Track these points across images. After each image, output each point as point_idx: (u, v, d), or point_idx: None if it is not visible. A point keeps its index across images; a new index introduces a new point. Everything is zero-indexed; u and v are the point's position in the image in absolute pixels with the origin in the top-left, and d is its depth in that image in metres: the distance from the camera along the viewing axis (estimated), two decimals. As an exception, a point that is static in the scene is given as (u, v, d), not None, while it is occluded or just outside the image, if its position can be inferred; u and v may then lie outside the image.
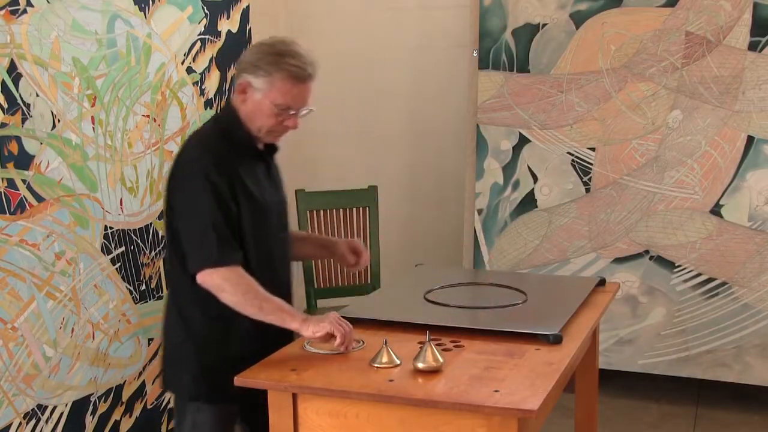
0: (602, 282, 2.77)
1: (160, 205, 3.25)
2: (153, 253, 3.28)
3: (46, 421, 2.87)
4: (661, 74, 3.81)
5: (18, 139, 2.74)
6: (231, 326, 2.22)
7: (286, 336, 2.25)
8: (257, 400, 2.17)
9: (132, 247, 3.19)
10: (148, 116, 3.28)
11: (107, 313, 3.07)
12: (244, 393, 2.17)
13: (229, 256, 2.14)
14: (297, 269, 4.53)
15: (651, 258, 3.87)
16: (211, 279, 2.14)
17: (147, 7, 3.30)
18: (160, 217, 3.27)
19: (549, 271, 3.99)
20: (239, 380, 1.99)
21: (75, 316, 2.96)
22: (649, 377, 4.01)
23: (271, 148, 2.37)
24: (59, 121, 2.89)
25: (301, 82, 2.20)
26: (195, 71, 3.61)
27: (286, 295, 2.32)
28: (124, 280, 3.15)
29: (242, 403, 2.32)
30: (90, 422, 3.06)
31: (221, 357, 2.24)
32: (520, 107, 4.00)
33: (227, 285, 2.13)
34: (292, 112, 2.22)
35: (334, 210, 4.05)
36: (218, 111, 2.36)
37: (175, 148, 3.36)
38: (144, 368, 3.27)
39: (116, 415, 3.19)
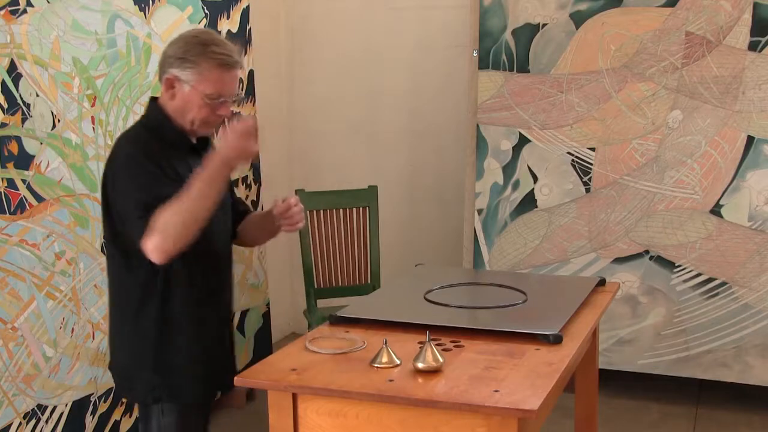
0: (602, 282, 2.77)
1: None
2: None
3: (46, 421, 2.87)
4: (661, 74, 3.81)
5: (18, 139, 2.74)
6: (174, 323, 2.22)
7: (227, 322, 2.33)
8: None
9: (132, 247, 3.19)
10: (148, 116, 3.27)
11: (107, 313, 3.07)
12: (205, 388, 2.27)
13: (147, 213, 2.08)
14: (297, 269, 4.55)
15: (651, 258, 3.88)
16: (152, 242, 2.07)
17: (147, 7, 3.30)
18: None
19: (549, 271, 3.99)
20: (239, 380, 1.99)
21: (75, 316, 2.96)
22: (649, 377, 4.02)
23: (205, 142, 2.33)
24: (59, 121, 2.89)
25: (229, 69, 2.18)
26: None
27: (226, 287, 2.37)
28: (124, 280, 3.15)
29: (205, 397, 2.36)
30: (90, 422, 3.06)
31: (174, 354, 2.24)
32: (520, 107, 4.00)
33: (168, 236, 2.08)
34: (223, 100, 2.20)
35: (334, 210, 4.05)
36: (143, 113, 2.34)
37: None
38: (144, 368, 3.27)
39: (116, 415, 3.19)
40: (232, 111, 2.28)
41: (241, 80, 2.45)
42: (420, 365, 1.96)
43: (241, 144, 2.11)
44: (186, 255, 2.14)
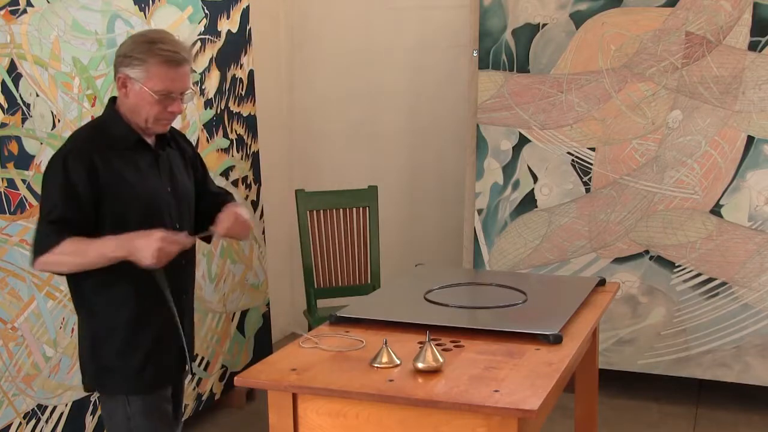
0: (602, 282, 2.77)
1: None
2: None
3: (46, 421, 2.88)
4: (661, 74, 3.81)
5: (18, 139, 2.74)
6: (128, 312, 2.25)
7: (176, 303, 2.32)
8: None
9: (132, 247, 3.18)
10: (148, 116, 3.27)
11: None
12: (170, 375, 2.31)
13: (58, 236, 2.14)
14: (297, 269, 4.55)
15: (651, 258, 3.88)
16: (41, 266, 2.19)
17: (147, 7, 3.30)
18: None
19: (549, 271, 3.99)
20: (239, 380, 1.99)
21: (75, 316, 2.95)
22: (649, 377, 4.01)
23: (164, 140, 2.36)
24: (59, 121, 2.89)
25: (176, 65, 2.21)
26: (195, 71, 3.61)
27: (184, 283, 2.39)
28: (124, 280, 3.15)
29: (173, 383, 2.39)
30: (90, 422, 3.06)
31: (133, 344, 2.27)
32: (520, 107, 4.00)
33: (54, 266, 2.19)
34: (173, 96, 2.23)
35: (334, 210, 4.05)
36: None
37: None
38: (144, 368, 3.27)
39: (116, 415, 3.18)
40: (185, 107, 2.33)
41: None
42: (420, 365, 1.96)
43: (157, 253, 2.13)
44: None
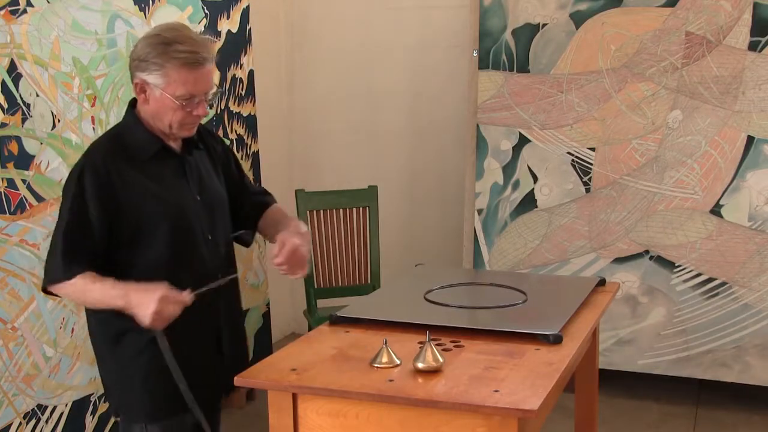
0: (602, 282, 2.77)
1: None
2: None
3: (46, 421, 2.88)
4: (661, 74, 3.81)
5: (18, 139, 2.74)
6: (145, 340, 2.13)
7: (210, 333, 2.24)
8: (214, 404, 2.21)
9: (132, 247, 3.18)
10: (148, 116, 3.27)
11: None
12: (193, 401, 2.14)
13: (69, 271, 2.05)
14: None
15: (651, 258, 3.87)
16: (54, 291, 2.11)
17: (147, 7, 3.30)
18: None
19: (549, 271, 3.99)
20: (239, 380, 1.99)
21: (75, 316, 2.96)
22: (649, 377, 4.01)
23: (191, 142, 2.24)
24: (59, 121, 2.89)
25: (197, 67, 2.08)
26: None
27: (217, 295, 2.22)
28: (124, 280, 3.15)
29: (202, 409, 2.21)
30: (90, 422, 3.06)
31: (152, 371, 2.16)
32: (520, 107, 4.00)
33: (64, 296, 2.14)
34: (197, 99, 2.11)
35: (334, 210, 4.05)
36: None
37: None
38: (144, 368, 3.27)
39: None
40: (210, 107, 2.21)
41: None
42: (420, 365, 1.96)
43: (155, 316, 2.00)
44: (148, 259, 2.11)
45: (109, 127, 3.09)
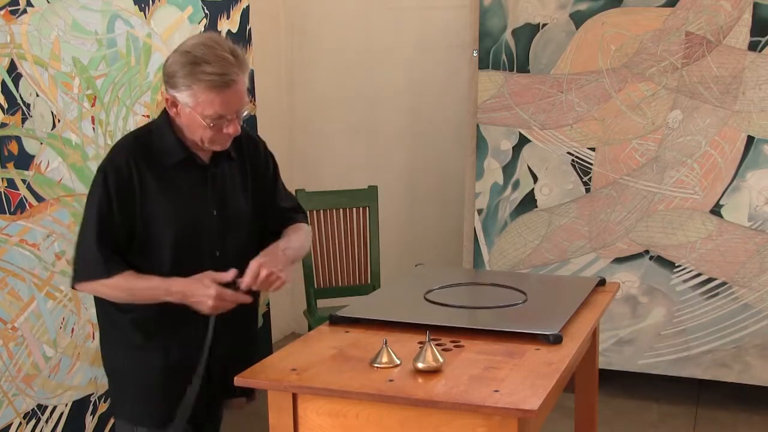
0: (602, 282, 2.77)
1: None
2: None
3: (46, 421, 2.87)
4: (661, 74, 3.81)
5: (18, 139, 2.74)
6: (150, 349, 2.15)
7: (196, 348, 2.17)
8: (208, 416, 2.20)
9: (132, 247, 3.18)
10: (148, 116, 3.28)
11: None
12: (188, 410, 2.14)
13: (109, 270, 2.06)
14: (297, 269, 4.57)
15: (651, 258, 3.87)
16: (82, 289, 2.13)
17: (147, 7, 3.30)
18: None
19: (549, 271, 3.99)
20: (239, 380, 1.99)
21: (75, 316, 2.96)
22: (649, 377, 4.01)
23: (222, 155, 2.18)
24: (59, 121, 2.89)
25: (225, 89, 2.02)
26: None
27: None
28: (124, 280, 3.15)
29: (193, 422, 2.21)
30: (90, 422, 3.06)
31: (148, 379, 2.17)
32: (520, 107, 4.00)
33: (96, 293, 2.13)
34: (228, 119, 2.06)
35: (334, 210, 4.05)
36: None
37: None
38: (144, 368, 3.27)
39: (116, 415, 3.19)
40: (242, 122, 2.13)
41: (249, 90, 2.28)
42: (420, 365, 1.96)
43: (211, 306, 2.05)
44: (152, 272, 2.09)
45: (109, 128, 3.10)
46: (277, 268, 2.11)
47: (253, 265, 2.10)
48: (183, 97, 2.04)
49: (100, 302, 2.20)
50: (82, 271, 2.10)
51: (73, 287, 2.15)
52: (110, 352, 2.24)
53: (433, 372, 1.95)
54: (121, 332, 2.18)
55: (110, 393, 2.29)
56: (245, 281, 2.09)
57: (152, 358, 2.17)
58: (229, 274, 2.08)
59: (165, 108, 2.14)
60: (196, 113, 2.04)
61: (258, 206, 2.29)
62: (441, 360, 1.97)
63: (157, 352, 2.17)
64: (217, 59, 2.01)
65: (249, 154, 2.27)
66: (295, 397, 1.95)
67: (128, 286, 2.08)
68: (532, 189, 4.01)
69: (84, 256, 2.10)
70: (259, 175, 2.30)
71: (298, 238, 2.30)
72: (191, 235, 2.13)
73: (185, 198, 2.13)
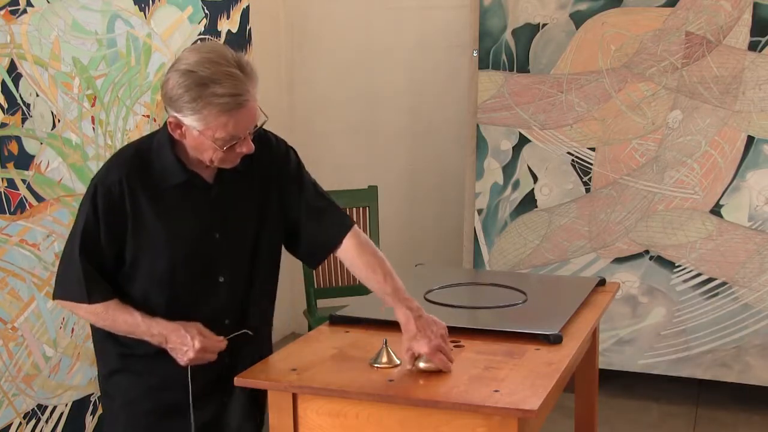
0: (602, 282, 2.77)
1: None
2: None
3: (46, 421, 2.87)
4: (661, 74, 3.81)
5: (18, 139, 2.74)
6: (143, 357, 2.04)
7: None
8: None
9: (132, 247, 3.18)
10: (148, 116, 3.28)
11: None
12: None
13: (90, 296, 1.95)
14: (297, 269, 4.58)
15: (651, 258, 3.87)
16: (62, 305, 2.03)
17: (147, 7, 3.30)
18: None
19: (549, 271, 3.99)
20: (239, 380, 1.99)
21: (75, 316, 2.96)
22: (649, 377, 4.01)
23: (229, 173, 2.02)
24: (59, 121, 2.89)
25: (238, 110, 1.85)
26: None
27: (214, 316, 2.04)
28: (124, 280, 3.15)
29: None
30: (90, 422, 3.06)
31: (145, 385, 2.08)
32: (520, 107, 4.00)
33: (75, 313, 2.05)
34: (242, 138, 1.91)
35: (334, 210, 4.04)
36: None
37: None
38: (144, 368, 3.27)
39: (116, 415, 3.18)
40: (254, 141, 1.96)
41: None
42: (421, 365, 1.96)
43: (194, 356, 1.94)
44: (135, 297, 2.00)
45: (109, 128, 3.10)
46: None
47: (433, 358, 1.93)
48: (189, 121, 1.87)
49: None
50: (63, 290, 2.00)
51: (54, 299, 2.05)
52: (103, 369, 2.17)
53: (433, 372, 1.95)
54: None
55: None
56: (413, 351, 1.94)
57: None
58: (221, 342, 1.98)
59: (166, 122, 1.97)
60: (206, 137, 1.88)
61: (274, 217, 2.11)
62: None
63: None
64: (226, 78, 1.83)
65: (259, 165, 2.08)
66: (295, 397, 1.95)
67: (107, 317, 1.97)
68: (532, 189, 4.01)
69: (65, 273, 1.99)
70: (283, 183, 2.13)
71: (389, 269, 2.10)
72: (189, 261, 1.99)
73: (183, 222, 1.98)
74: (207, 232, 2.02)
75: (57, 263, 2.85)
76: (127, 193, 1.94)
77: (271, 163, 2.12)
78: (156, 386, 2.06)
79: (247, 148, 1.94)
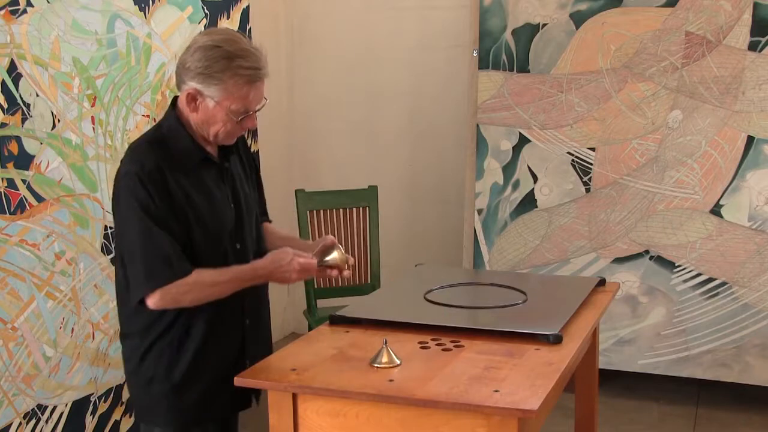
0: (602, 282, 2.77)
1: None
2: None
3: (46, 421, 2.88)
4: (661, 74, 3.81)
5: (18, 139, 2.74)
6: (182, 355, 2.13)
7: (239, 354, 2.22)
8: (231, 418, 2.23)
9: (132, 247, 3.18)
10: (148, 116, 3.28)
11: (107, 313, 3.07)
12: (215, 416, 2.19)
13: (182, 269, 2.03)
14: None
15: (651, 258, 3.87)
16: (162, 301, 2.03)
17: (147, 7, 3.30)
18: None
19: (549, 271, 3.99)
20: (239, 380, 1.99)
21: (75, 316, 2.96)
22: (649, 377, 4.01)
23: (228, 151, 2.21)
24: (59, 121, 2.89)
25: (257, 83, 2.07)
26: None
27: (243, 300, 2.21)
28: (124, 280, 3.15)
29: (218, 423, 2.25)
30: (90, 422, 3.06)
31: (179, 384, 2.15)
32: (520, 107, 4.00)
33: (183, 297, 2.05)
34: (251, 113, 2.10)
35: (334, 210, 4.05)
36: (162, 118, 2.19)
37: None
38: (144, 368, 3.26)
39: (116, 415, 3.19)
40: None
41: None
42: (327, 259, 2.19)
43: (296, 276, 2.15)
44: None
45: (109, 128, 3.10)
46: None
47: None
48: (211, 91, 2.04)
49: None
50: (157, 278, 2.01)
51: (141, 302, 2.05)
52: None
53: (435, 372, 1.95)
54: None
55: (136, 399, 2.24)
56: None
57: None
58: (313, 260, 2.19)
59: (170, 109, 2.15)
60: (222, 107, 2.05)
61: (253, 189, 2.34)
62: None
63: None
64: (249, 53, 2.05)
65: (244, 151, 2.33)
66: (295, 397, 1.95)
67: (210, 281, 2.06)
68: (532, 189, 4.01)
69: (152, 260, 2.02)
70: (252, 167, 2.36)
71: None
72: (219, 231, 2.15)
73: (209, 196, 2.13)
74: (226, 204, 2.18)
75: (57, 263, 2.86)
76: (168, 174, 2.06)
77: (243, 144, 2.34)
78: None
79: (252, 123, 2.12)
